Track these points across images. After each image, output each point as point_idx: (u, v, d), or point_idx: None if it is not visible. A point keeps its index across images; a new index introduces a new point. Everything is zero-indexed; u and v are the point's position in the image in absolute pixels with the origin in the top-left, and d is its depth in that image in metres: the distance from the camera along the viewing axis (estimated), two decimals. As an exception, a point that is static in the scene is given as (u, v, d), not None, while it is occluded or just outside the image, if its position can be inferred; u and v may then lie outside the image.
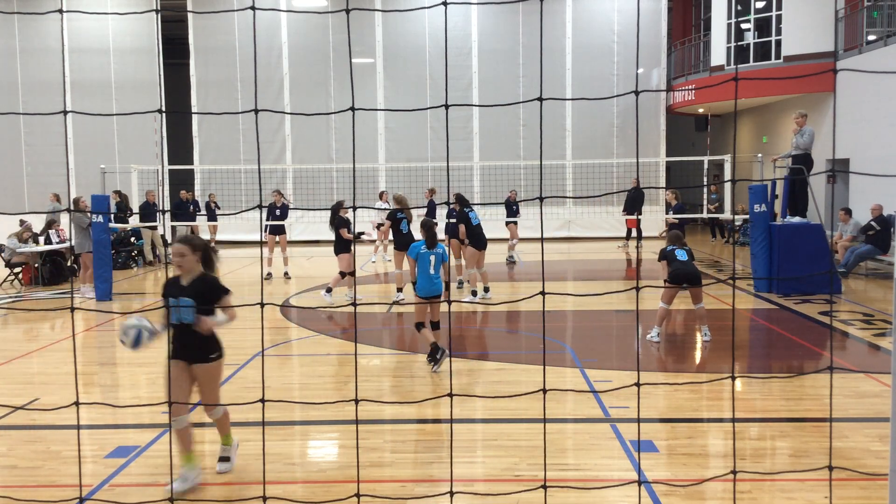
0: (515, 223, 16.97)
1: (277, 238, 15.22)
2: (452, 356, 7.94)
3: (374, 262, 17.22)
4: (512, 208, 16.87)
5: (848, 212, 15.17)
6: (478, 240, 11.88)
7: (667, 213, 15.76)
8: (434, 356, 7.83)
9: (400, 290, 12.02)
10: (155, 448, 5.77)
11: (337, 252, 11.89)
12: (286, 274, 15.06)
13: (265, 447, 5.31)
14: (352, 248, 11.94)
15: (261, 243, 2.99)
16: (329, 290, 11.92)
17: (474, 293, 12.02)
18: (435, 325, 7.94)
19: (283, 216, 15.24)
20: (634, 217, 19.53)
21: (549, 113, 22.95)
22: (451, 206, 13.20)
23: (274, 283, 14.67)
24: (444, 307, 11.50)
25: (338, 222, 11.71)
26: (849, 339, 9.36)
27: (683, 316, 10.72)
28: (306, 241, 22.05)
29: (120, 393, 7.59)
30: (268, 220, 15.20)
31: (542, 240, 4.86)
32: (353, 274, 11.86)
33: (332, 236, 12.13)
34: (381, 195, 18.36)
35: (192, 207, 19.43)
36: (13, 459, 5.64)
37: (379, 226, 15.28)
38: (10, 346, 9.51)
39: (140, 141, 22.90)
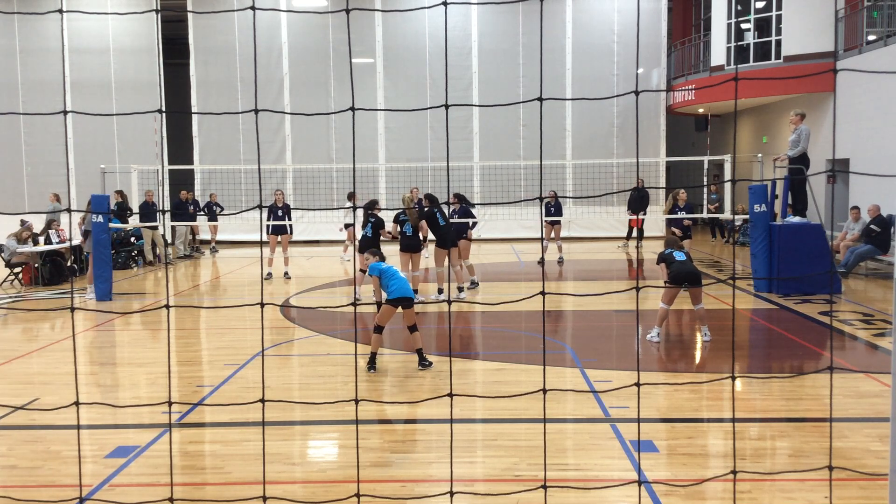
0: (559, 223, 16.83)
1: (279, 238, 15.22)
2: (452, 356, 7.95)
3: (348, 260, 17.25)
4: (550, 209, 16.72)
5: (859, 210, 15.11)
6: (443, 240, 11.96)
7: (672, 213, 15.53)
8: (422, 362, 7.96)
9: (416, 291, 11.97)
10: (155, 448, 5.77)
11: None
12: (286, 274, 15.06)
13: (265, 447, 5.32)
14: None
15: (260, 243, 2.99)
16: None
17: (440, 291, 12.31)
18: (411, 329, 7.94)
19: (286, 216, 15.29)
20: (638, 217, 19.43)
21: (549, 113, 22.94)
22: (453, 206, 13.22)
23: (274, 282, 14.67)
24: (438, 308, 11.52)
25: (379, 222, 11.73)
26: (849, 339, 9.36)
27: (683, 316, 10.72)
28: (306, 241, 22.05)
29: (120, 393, 7.59)
30: (269, 220, 15.21)
31: (541, 240, 4.85)
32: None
33: (330, 236, 12.15)
34: (349, 196, 18.29)
35: (192, 207, 19.44)
36: (13, 459, 5.64)
37: (347, 226, 15.82)
38: (10, 346, 9.51)
39: (140, 141, 22.90)
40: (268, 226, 15.22)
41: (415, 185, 19.14)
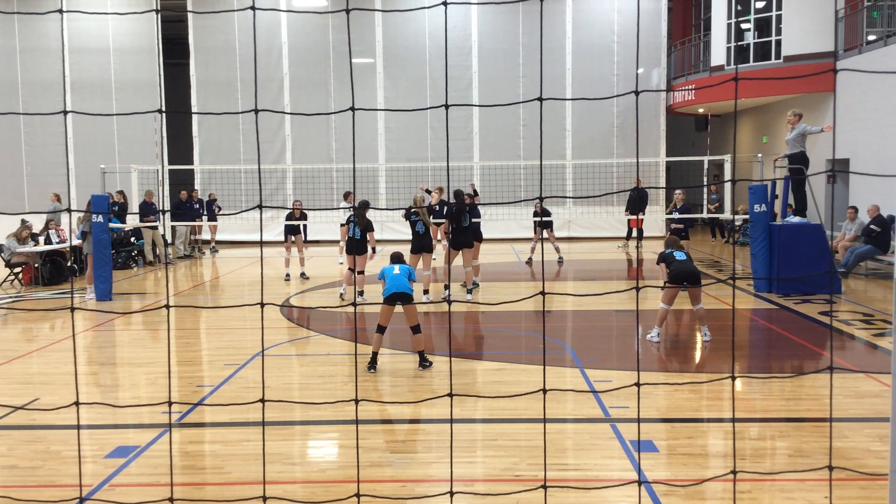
0: (550, 224, 16.85)
1: (293, 238, 15.29)
2: (452, 356, 7.95)
3: (341, 263, 17.14)
4: (547, 212, 16.77)
5: (856, 210, 15.11)
6: (457, 240, 12.03)
7: (669, 214, 15.57)
8: (423, 362, 7.97)
9: (426, 291, 11.92)
10: (155, 448, 5.77)
11: (364, 251, 11.84)
12: (303, 274, 15.06)
13: (265, 447, 5.32)
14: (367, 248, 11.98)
15: (261, 244, 2.99)
16: (361, 293, 12.08)
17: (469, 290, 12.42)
18: (414, 330, 7.94)
19: (301, 219, 15.41)
20: (638, 217, 19.41)
21: (549, 113, 22.93)
22: (468, 204, 13.00)
23: (275, 283, 14.67)
24: (437, 308, 11.52)
25: (367, 224, 11.70)
26: (849, 339, 9.36)
27: (683, 316, 10.72)
28: (305, 242, 22.02)
29: (120, 393, 7.59)
30: (287, 222, 15.36)
31: (542, 240, 4.85)
32: (358, 273, 11.85)
33: (330, 236, 12.13)
34: (346, 196, 18.22)
35: (196, 206, 19.45)
36: (13, 459, 5.64)
37: (343, 224, 15.73)
38: (10, 346, 9.51)
39: (140, 141, 22.90)
40: (285, 226, 15.36)
41: (415, 185, 19.10)
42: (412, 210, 11.60)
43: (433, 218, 14.32)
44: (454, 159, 22.21)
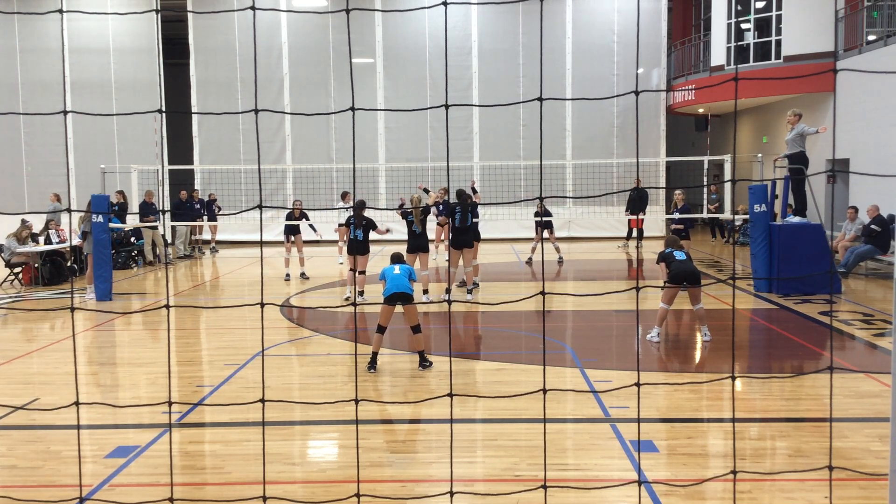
0: (550, 224, 16.82)
1: (293, 238, 15.29)
2: (452, 356, 7.95)
3: (341, 263, 17.13)
4: (548, 212, 16.74)
5: (856, 210, 15.10)
6: (455, 240, 12.03)
7: (669, 214, 15.57)
8: (423, 362, 7.96)
9: (426, 291, 11.90)
10: (155, 448, 5.77)
11: (365, 252, 11.84)
12: (303, 274, 15.06)
13: (265, 447, 5.32)
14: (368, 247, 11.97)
15: (261, 244, 2.99)
16: (361, 293, 12.03)
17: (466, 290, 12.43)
18: (414, 329, 7.94)
19: (302, 218, 15.41)
20: (637, 217, 19.38)
21: (549, 113, 22.93)
22: (469, 203, 12.90)
23: (275, 283, 14.67)
24: (437, 308, 11.52)
25: (368, 223, 11.69)
26: (849, 339, 9.36)
27: (683, 316, 10.72)
28: (304, 242, 22.00)
29: (120, 393, 7.59)
30: (287, 222, 15.38)
31: (542, 240, 4.84)
32: (360, 273, 11.84)
33: (329, 236, 12.11)
34: (343, 196, 18.19)
35: (197, 206, 19.45)
36: (13, 459, 5.64)
37: (342, 225, 15.83)
38: (10, 346, 9.51)
39: (140, 141, 22.90)
40: (285, 226, 15.39)
41: (414, 185, 19.09)
42: (407, 210, 11.62)
43: (436, 219, 14.33)
44: (454, 159, 22.20)
